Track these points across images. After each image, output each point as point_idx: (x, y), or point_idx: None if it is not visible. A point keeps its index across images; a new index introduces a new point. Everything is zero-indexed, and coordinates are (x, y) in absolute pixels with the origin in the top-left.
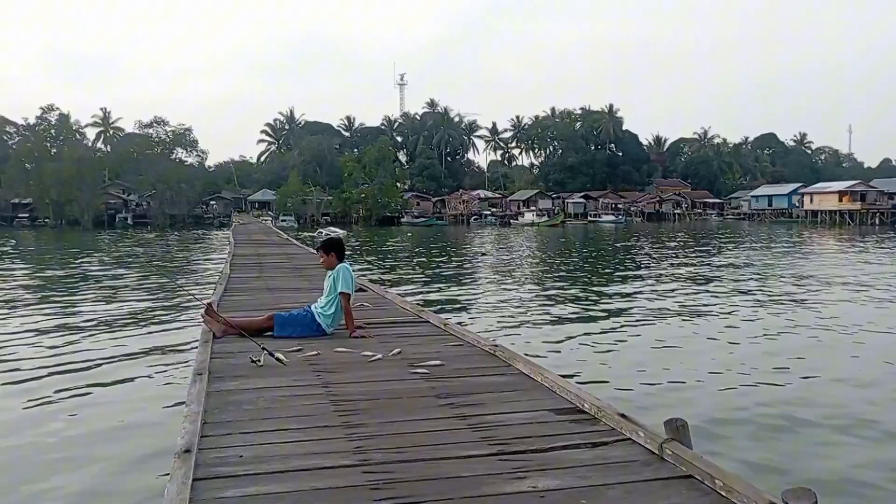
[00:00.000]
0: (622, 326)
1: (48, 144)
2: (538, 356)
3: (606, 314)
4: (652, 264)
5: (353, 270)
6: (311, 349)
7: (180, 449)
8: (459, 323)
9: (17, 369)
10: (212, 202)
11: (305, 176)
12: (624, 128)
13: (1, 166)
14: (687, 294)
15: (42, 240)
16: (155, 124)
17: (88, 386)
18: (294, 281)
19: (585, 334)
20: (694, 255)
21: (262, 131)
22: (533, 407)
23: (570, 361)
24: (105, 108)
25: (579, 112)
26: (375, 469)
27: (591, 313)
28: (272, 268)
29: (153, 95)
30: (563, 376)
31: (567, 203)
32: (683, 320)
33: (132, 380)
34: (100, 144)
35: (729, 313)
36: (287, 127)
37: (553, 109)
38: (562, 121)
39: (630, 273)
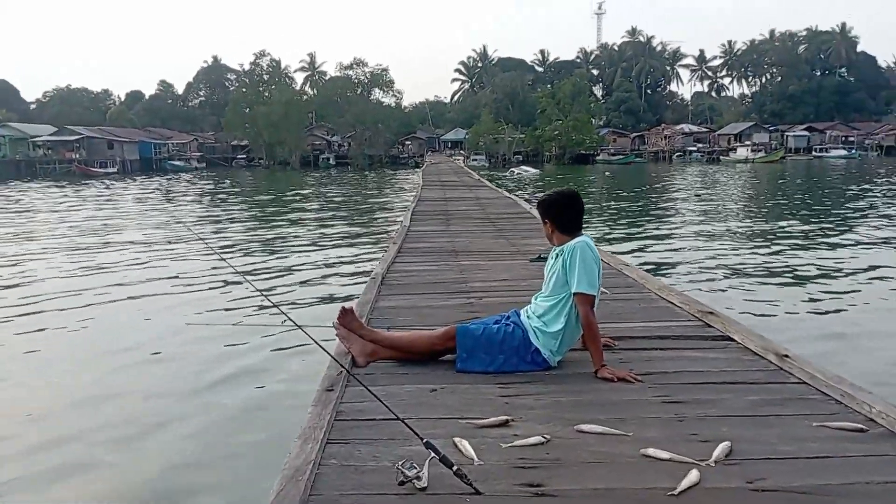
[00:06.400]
0: None
1: (261, 89)
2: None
3: None
4: None
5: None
6: (525, 420)
7: None
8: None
9: None
10: (407, 142)
11: (497, 114)
12: (859, 49)
13: (223, 110)
14: None
15: (255, 178)
16: (355, 66)
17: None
18: (488, 239)
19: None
20: None
21: (456, 70)
22: None
23: None
24: (312, 53)
25: (804, 34)
26: None
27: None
28: (460, 217)
29: (354, 39)
30: None
31: (787, 136)
32: None
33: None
34: (307, 88)
35: None
36: (480, 64)
37: (772, 32)
38: (782, 44)
39: None
